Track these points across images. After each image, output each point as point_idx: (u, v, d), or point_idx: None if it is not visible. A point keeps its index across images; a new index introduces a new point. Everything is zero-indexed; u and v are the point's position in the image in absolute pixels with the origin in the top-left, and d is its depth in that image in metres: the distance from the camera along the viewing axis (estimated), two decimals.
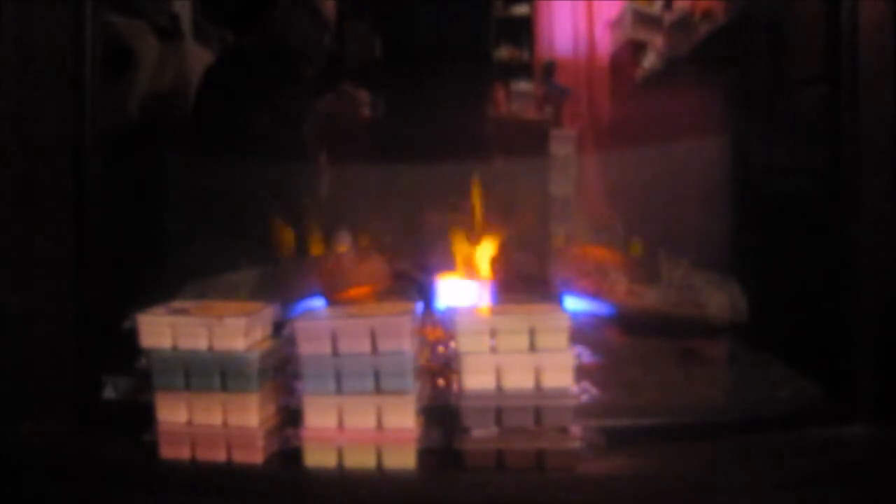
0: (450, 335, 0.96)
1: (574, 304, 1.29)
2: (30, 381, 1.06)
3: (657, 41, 1.78)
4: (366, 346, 0.91)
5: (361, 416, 0.91)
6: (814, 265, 1.11)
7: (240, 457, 0.93)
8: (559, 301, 1.25)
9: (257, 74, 1.49)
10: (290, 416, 0.95)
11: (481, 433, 0.90)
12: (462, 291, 1.33)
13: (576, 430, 0.91)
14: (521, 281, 1.36)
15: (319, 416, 0.92)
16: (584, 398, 0.90)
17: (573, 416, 0.90)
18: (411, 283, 1.36)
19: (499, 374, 0.91)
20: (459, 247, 1.40)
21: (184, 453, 0.94)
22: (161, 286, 1.16)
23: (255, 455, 0.92)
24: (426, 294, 1.31)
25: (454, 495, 0.91)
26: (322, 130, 1.55)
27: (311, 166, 1.52)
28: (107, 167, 1.09)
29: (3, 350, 1.05)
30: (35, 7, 1.06)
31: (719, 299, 1.25)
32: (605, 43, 1.90)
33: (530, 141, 1.71)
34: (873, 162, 1.05)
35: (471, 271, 1.37)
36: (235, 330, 0.92)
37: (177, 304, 1.01)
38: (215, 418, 0.93)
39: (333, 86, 1.62)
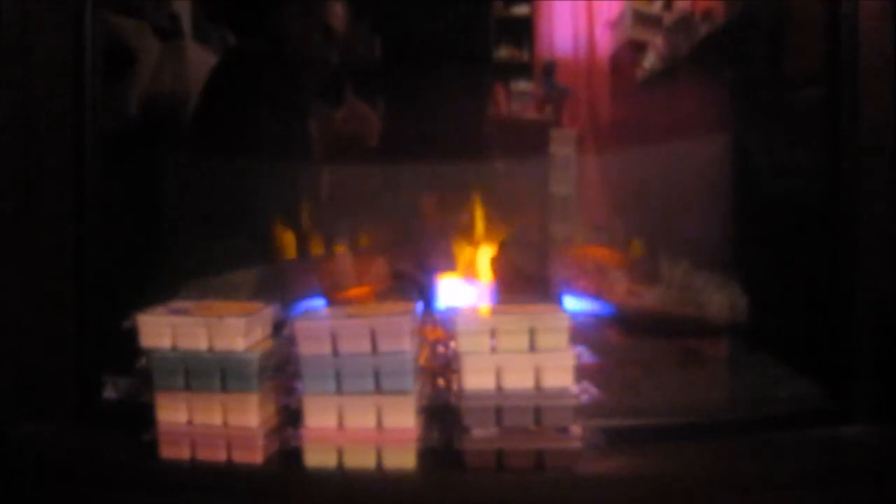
0: (450, 335, 0.95)
1: (574, 304, 1.29)
2: (30, 381, 1.06)
3: (657, 41, 1.78)
4: (366, 346, 0.91)
5: (361, 416, 0.91)
6: (814, 265, 1.11)
7: (240, 457, 0.93)
8: (559, 301, 1.25)
9: (258, 76, 1.49)
10: (290, 416, 0.95)
11: (481, 433, 0.90)
12: (462, 291, 1.33)
13: (576, 430, 0.91)
14: (521, 281, 1.36)
15: (319, 416, 0.92)
16: (584, 398, 0.90)
17: (573, 416, 0.90)
18: (411, 283, 1.36)
19: (499, 374, 0.90)
20: (459, 247, 1.40)
21: (184, 453, 0.94)
22: (161, 286, 1.16)
23: (255, 455, 0.92)
24: (426, 294, 1.31)
25: (454, 495, 0.91)
26: (322, 131, 1.55)
27: (312, 166, 1.52)
28: (106, 167, 1.09)
29: (4, 350, 1.05)
30: (35, 7, 1.06)
31: (719, 299, 1.25)
32: (605, 43, 1.90)
33: (530, 141, 1.70)
34: (873, 162, 1.05)
35: (471, 271, 1.37)
36: (235, 330, 0.92)
37: (177, 304, 1.01)
38: (215, 418, 0.93)
39: (335, 88, 1.62)
